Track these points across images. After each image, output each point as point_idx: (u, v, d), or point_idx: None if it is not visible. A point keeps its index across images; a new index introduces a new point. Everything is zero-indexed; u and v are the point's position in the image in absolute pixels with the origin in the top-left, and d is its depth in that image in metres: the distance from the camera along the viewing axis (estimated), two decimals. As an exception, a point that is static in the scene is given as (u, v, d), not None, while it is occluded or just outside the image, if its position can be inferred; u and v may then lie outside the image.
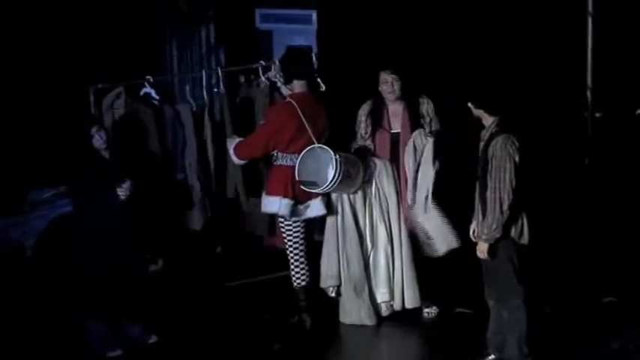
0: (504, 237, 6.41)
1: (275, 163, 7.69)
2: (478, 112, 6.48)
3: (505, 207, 6.31)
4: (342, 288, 7.80)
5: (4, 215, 9.32)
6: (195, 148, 8.26)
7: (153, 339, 7.44)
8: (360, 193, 7.76)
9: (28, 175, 9.51)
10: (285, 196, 7.55)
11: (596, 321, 7.59)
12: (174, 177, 8.26)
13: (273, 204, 7.60)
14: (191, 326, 7.90)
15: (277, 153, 7.66)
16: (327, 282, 7.81)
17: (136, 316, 7.37)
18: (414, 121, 7.72)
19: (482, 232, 6.43)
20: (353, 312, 7.77)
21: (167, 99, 8.54)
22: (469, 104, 6.49)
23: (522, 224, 6.46)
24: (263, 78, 8.32)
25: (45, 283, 8.76)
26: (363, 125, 7.82)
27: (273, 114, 7.70)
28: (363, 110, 7.87)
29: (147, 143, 8.15)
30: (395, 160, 7.75)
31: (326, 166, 7.40)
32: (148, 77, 8.29)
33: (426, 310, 7.90)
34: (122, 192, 7.13)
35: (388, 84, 7.70)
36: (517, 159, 6.32)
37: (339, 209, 7.75)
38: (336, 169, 7.34)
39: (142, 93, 8.26)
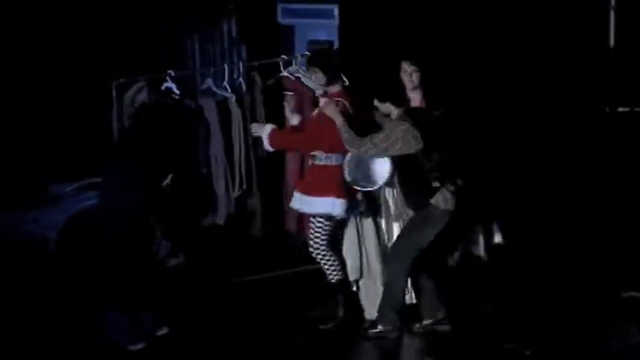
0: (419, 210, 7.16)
1: (318, 162, 7.63)
2: (385, 107, 7.31)
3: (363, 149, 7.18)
4: (362, 282, 7.82)
5: (27, 208, 9.36)
6: (221, 141, 8.28)
7: (163, 330, 7.47)
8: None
9: (50, 169, 9.56)
10: (339, 197, 7.50)
11: (597, 317, 7.64)
12: (198, 172, 8.29)
13: (326, 204, 7.52)
14: (206, 320, 7.94)
15: (319, 153, 7.62)
16: (352, 275, 7.83)
17: (150, 307, 7.43)
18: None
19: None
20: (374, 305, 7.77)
21: (189, 93, 8.58)
22: (376, 102, 7.35)
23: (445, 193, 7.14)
24: (285, 72, 8.36)
25: (67, 276, 8.79)
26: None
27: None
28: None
29: (170, 138, 8.19)
30: None
31: (371, 163, 7.50)
32: (169, 72, 8.32)
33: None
34: (165, 184, 7.26)
35: (407, 74, 7.80)
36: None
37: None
38: (390, 165, 7.44)
39: (163, 87, 8.29)
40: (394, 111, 7.29)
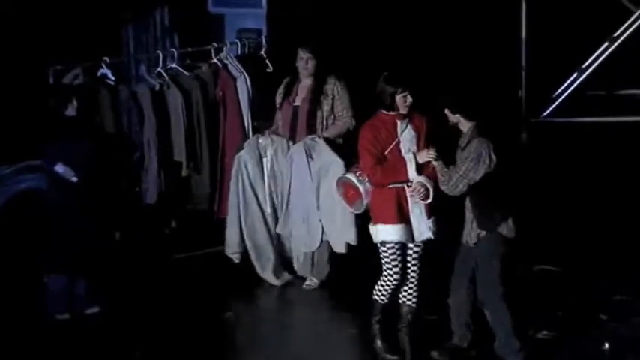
0: (492, 232, 6.34)
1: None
2: (455, 118, 6.38)
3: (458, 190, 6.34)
4: (251, 255, 8.28)
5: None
6: (154, 125, 8.52)
7: (94, 309, 7.64)
8: (257, 168, 8.20)
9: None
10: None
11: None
12: (131, 154, 8.54)
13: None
14: (144, 296, 8.13)
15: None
16: (231, 249, 8.27)
17: (85, 284, 7.63)
18: (315, 97, 8.11)
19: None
20: (262, 273, 8.29)
21: (123, 80, 8.81)
22: (446, 110, 6.37)
23: (508, 219, 6.41)
24: (215, 59, 8.66)
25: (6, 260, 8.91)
26: (278, 98, 8.28)
27: None
28: (282, 84, 8.34)
29: (103, 122, 8.42)
30: (293, 131, 8.18)
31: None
32: (104, 58, 8.53)
33: (307, 282, 8.29)
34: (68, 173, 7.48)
35: (303, 61, 8.15)
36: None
37: (240, 184, 8.19)
38: None
39: (98, 74, 8.51)
40: (466, 125, 6.37)
